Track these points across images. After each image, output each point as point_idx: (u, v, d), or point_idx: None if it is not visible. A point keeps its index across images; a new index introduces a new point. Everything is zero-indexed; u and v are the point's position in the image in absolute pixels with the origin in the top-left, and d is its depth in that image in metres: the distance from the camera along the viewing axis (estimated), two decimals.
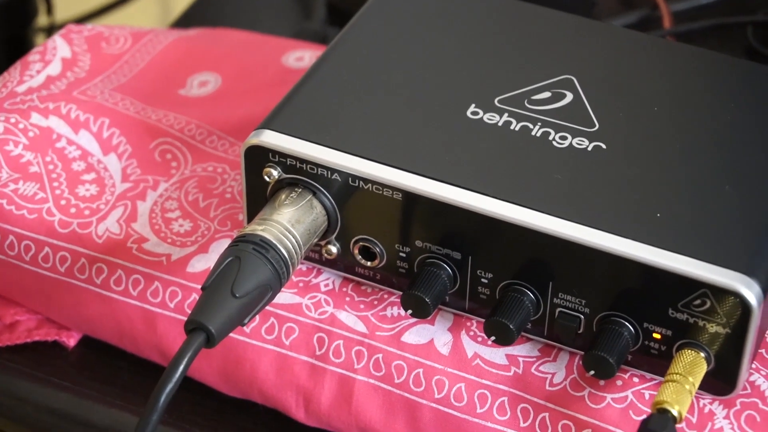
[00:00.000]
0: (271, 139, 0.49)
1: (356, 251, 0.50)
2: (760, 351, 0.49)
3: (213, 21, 0.73)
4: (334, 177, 0.49)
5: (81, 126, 0.58)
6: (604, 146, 0.49)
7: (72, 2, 0.94)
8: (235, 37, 0.65)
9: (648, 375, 0.48)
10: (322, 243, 0.51)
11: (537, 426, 0.48)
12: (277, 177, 0.49)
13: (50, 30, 0.89)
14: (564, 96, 0.51)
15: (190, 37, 0.65)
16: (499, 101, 0.51)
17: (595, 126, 0.50)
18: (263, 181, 0.50)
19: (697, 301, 0.45)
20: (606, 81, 0.52)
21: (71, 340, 0.55)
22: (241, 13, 0.75)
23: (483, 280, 0.49)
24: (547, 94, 0.52)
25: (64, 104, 0.58)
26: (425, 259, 0.49)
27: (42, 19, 0.88)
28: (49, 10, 0.88)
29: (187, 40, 0.64)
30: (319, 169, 0.49)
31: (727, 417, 0.47)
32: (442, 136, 0.50)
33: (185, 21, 0.74)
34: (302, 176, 0.49)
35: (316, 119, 0.50)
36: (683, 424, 0.47)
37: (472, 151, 0.49)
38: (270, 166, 0.49)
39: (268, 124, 0.50)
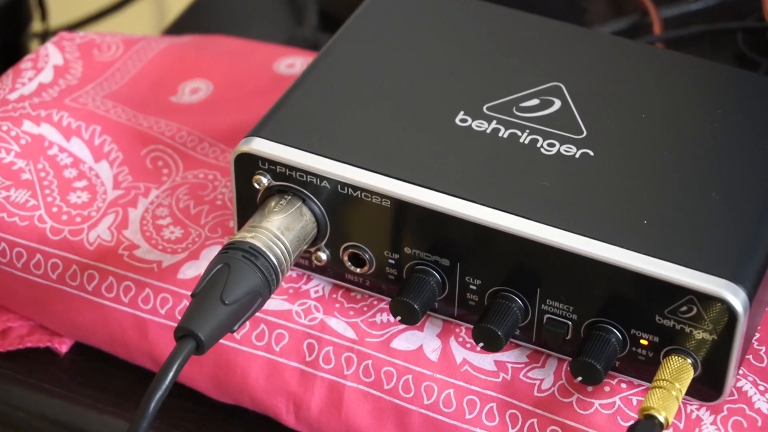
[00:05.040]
0: (261, 146, 0.49)
1: (346, 258, 0.51)
2: (747, 357, 0.50)
3: (206, 28, 0.73)
4: (323, 184, 0.49)
5: (73, 133, 0.58)
6: (591, 153, 0.50)
7: (66, 8, 0.94)
8: (226, 44, 0.65)
9: (636, 381, 0.49)
10: (312, 250, 0.51)
11: None
12: (266, 184, 0.50)
13: (44, 36, 0.89)
14: (552, 103, 0.52)
15: (182, 44, 0.65)
16: (487, 108, 0.51)
17: (582, 133, 0.51)
18: (253, 188, 0.50)
19: (684, 308, 0.46)
20: (594, 88, 0.53)
21: (63, 347, 0.55)
22: (233, 19, 0.75)
23: (471, 286, 0.49)
24: (535, 102, 0.52)
25: (56, 112, 0.58)
26: (414, 266, 0.49)
27: (36, 25, 0.88)
28: (44, 16, 0.88)
29: (179, 48, 0.64)
30: (309, 176, 0.49)
31: (714, 423, 0.48)
32: (431, 144, 0.50)
33: (178, 27, 0.75)
34: (292, 183, 0.49)
35: (305, 127, 0.50)
36: (670, 430, 0.48)
37: (461, 158, 0.49)
38: (260, 174, 0.50)
39: (258, 131, 0.50)
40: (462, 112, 0.51)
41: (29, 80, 0.60)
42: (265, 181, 0.50)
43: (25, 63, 0.61)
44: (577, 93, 0.52)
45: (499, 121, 0.51)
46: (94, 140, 0.58)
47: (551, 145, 0.50)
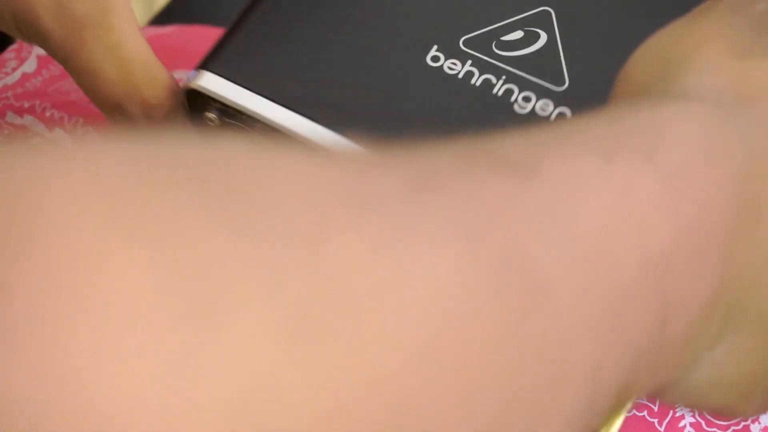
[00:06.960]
0: (209, 83, 0.45)
1: None
2: None
3: (193, 17, 0.72)
4: (273, 131, 0.45)
5: (56, 124, 0.56)
6: (567, 114, 0.45)
7: None
8: (210, 35, 0.63)
9: None
10: None
11: None
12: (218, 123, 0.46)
13: None
14: (537, 37, 0.46)
15: (165, 34, 0.64)
16: (464, 43, 0.46)
17: (564, 84, 0.45)
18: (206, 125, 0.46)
19: None
20: (587, 20, 0.47)
21: None
22: (220, 9, 0.74)
23: None
24: (519, 35, 0.46)
25: (39, 102, 0.57)
26: None
27: None
28: None
29: (161, 38, 0.63)
30: (255, 122, 0.45)
31: None
32: (396, 90, 0.45)
33: (166, 16, 0.73)
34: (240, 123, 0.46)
35: (256, 65, 0.46)
36: (645, 413, 0.43)
37: (426, 109, 0.45)
38: (211, 111, 0.46)
39: (207, 65, 0.46)
40: (435, 47, 0.46)
41: (12, 70, 0.59)
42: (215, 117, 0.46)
43: (9, 53, 0.60)
44: (567, 24, 0.46)
45: (475, 62, 0.46)
46: (77, 131, 0.56)
47: (527, 99, 0.45)
